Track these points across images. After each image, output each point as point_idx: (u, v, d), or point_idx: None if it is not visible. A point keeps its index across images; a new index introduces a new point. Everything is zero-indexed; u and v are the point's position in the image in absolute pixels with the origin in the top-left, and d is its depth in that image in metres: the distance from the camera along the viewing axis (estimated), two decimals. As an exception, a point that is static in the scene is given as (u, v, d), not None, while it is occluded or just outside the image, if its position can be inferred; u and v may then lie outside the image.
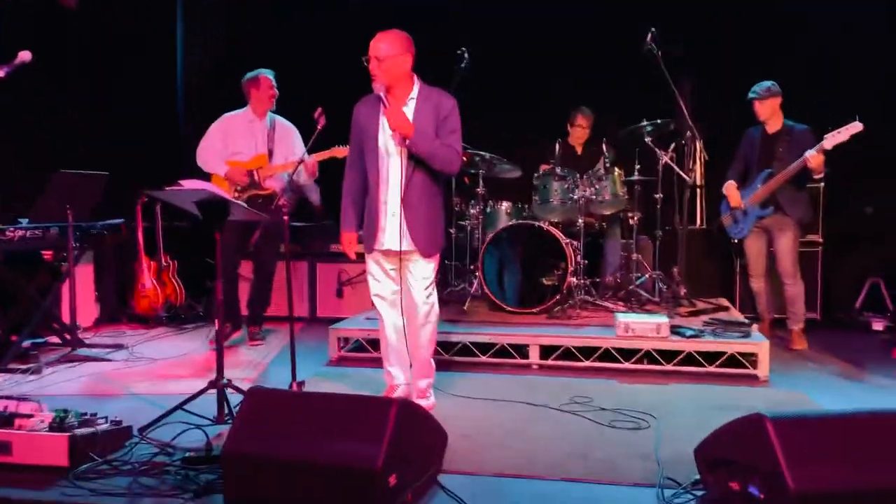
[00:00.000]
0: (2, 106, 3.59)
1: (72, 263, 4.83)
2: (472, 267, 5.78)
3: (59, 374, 4.46)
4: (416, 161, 3.47)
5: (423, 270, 3.59)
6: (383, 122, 3.50)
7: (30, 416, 2.97)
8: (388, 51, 3.42)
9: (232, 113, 5.35)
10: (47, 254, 5.15)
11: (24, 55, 3.56)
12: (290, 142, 5.31)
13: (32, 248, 4.90)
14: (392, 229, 3.51)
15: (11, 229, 4.53)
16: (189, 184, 3.45)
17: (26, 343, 4.75)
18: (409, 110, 3.48)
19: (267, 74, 5.31)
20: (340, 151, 4.84)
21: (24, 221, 4.73)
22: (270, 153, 5.24)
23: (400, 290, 3.65)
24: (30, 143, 5.83)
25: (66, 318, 5.15)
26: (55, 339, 5.10)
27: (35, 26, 5.78)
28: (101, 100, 6.50)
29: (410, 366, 3.76)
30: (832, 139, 4.67)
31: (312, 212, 6.85)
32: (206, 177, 5.21)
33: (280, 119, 5.37)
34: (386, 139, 3.51)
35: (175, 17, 7.11)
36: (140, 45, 6.77)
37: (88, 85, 6.39)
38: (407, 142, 3.40)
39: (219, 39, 7.58)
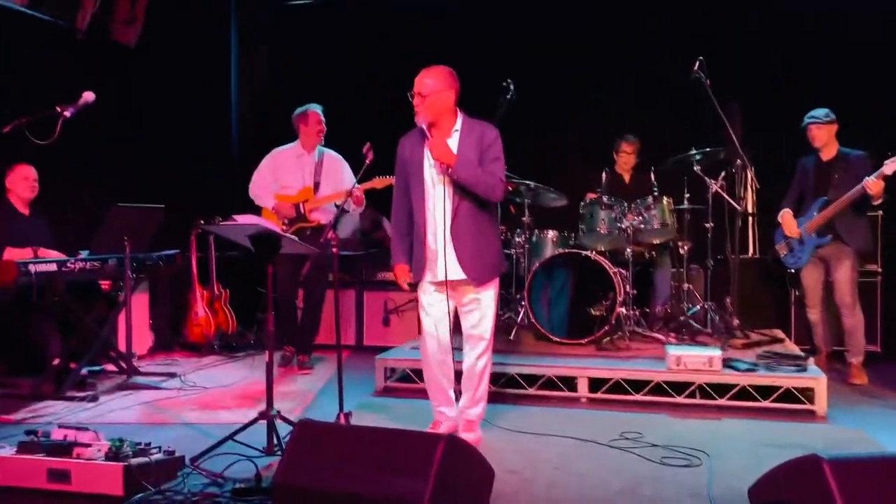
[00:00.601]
0: (67, 143, 3.73)
1: (129, 294, 4.97)
2: (518, 296, 5.76)
3: (114, 402, 4.58)
4: (461, 191, 3.51)
5: (482, 296, 3.59)
6: (428, 155, 3.56)
7: (88, 445, 3.05)
8: (433, 87, 3.49)
9: (282, 148, 5.53)
10: (105, 284, 5.32)
11: (88, 96, 3.72)
12: (339, 173, 5.44)
13: (91, 279, 5.07)
14: (441, 261, 3.54)
15: (72, 261, 4.70)
16: (242, 218, 3.54)
17: (84, 371, 4.91)
18: (452, 142, 3.54)
19: (315, 110, 5.46)
20: (380, 182, 5.01)
21: (85, 253, 4.89)
22: (316, 186, 5.40)
23: (450, 321, 3.66)
24: (91, 178, 6.05)
25: (122, 347, 5.29)
26: (112, 367, 5.25)
27: (96, 64, 6.02)
28: (157, 134, 6.72)
29: (458, 398, 3.75)
30: (893, 165, 4.56)
31: (359, 241, 6.94)
32: (259, 210, 5.36)
33: (329, 152, 5.51)
34: (431, 171, 3.56)
35: (229, 53, 7.33)
36: (195, 81, 6.99)
37: (145, 120, 6.62)
38: (449, 170, 3.44)
39: (271, 73, 7.79)
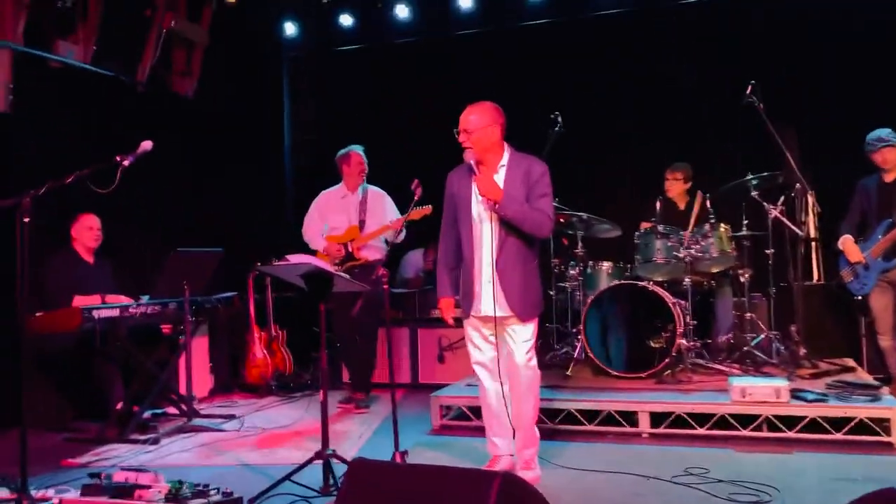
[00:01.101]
0: (127, 191, 3.86)
1: (188, 337, 5.07)
2: (574, 330, 5.67)
3: (175, 444, 4.64)
4: (507, 227, 3.50)
5: (522, 335, 3.56)
6: (475, 190, 3.56)
7: (148, 487, 3.09)
8: (478, 123, 3.50)
9: (328, 190, 5.72)
10: (166, 328, 5.44)
11: (146, 144, 3.83)
12: (382, 208, 5.57)
13: (152, 323, 5.19)
14: (487, 295, 3.52)
15: (134, 306, 4.83)
16: (295, 258, 3.59)
17: (146, 414, 5.00)
18: (499, 178, 3.53)
19: (357, 151, 5.63)
20: (417, 213, 5.06)
21: (146, 298, 5.02)
22: (362, 224, 5.53)
23: (498, 356, 3.62)
24: (150, 224, 6.25)
25: (182, 389, 5.38)
26: (173, 410, 5.34)
27: (156, 115, 6.26)
28: (214, 181, 6.92)
29: (514, 435, 3.69)
30: None
31: (404, 282, 6.99)
32: (314, 252, 5.49)
33: (372, 188, 5.66)
34: (478, 206, 3.56)
35: (281, 101, 7.55)
36: (249, 128, 7.21)
37: (203, 167, 6.83)
38: (496, 206, 3.43)
39: (319, 119, 7.97)
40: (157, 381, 5.01)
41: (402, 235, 5.44)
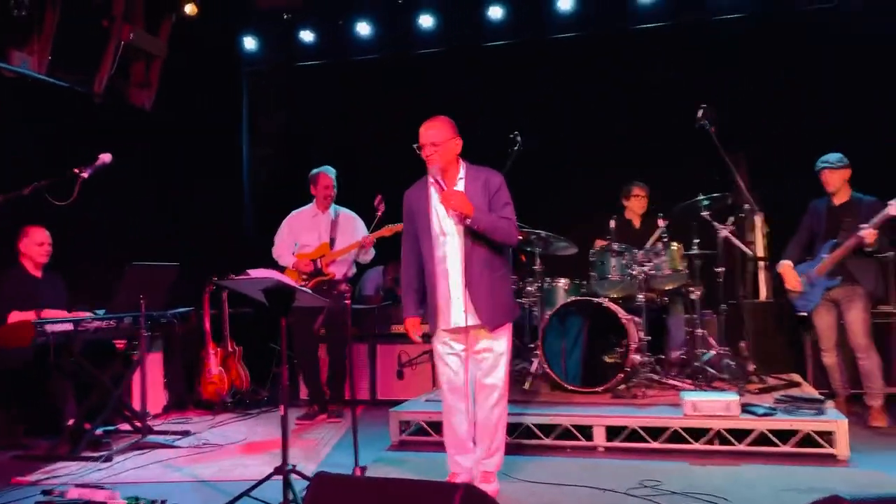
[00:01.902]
0: (84, 203, 3.82)
1: (143, 352, 4.99)
2: (532, 345, 5.75)
3: (129, 461, 4.56)
4: (474, 238, 3.55)
5: (495, 346, 3.60)
6: (435, 205, 3.62)
7: (103, 503, 3.05)
8: (442, 136, 3.57)
9: (299, 209, 5.80)
10: (120, 343, 5.35)
11: (105, 157, 3.82)
12: (353, 229, 5.65)
13: (107, 338, 5.11)
14: (456, 307, 3.56)
15: (89, 320, 4.74)
16: (256, 273, 3.58)
17: (99, 431, 4.90)
18: (459, 190, 3.59)
19: (325, 172, 5.71)
20: (388, 230, 5.21)
21: (101, 312, 4.94)
22: (332, 241, 5.61)
23: (467, 370, 3.66)
24: (107, 237, 6.16)
25: (136, 405, 5.29)
26: (126, 427, 5.25)
27: (113, 127, 6.18)
28: (171, 194, 6.86)
29: (475, 449, 3.73)
30: (884, 215, 4.63)
31: (364, 300, 7.00)
32: (281, 269, 5.53)
33: (344, 210, 5.76)
34: (440, 221, 3.61)
35: (241, 114, 7.51)
36: (208, 141, 7.15)
37: (160, 180, 6.76)
38: (468, 220, 3.48)
39: (280, 133, 7.96)
40: (111, 396, 4.93)
41: (372, 254, 5.60)
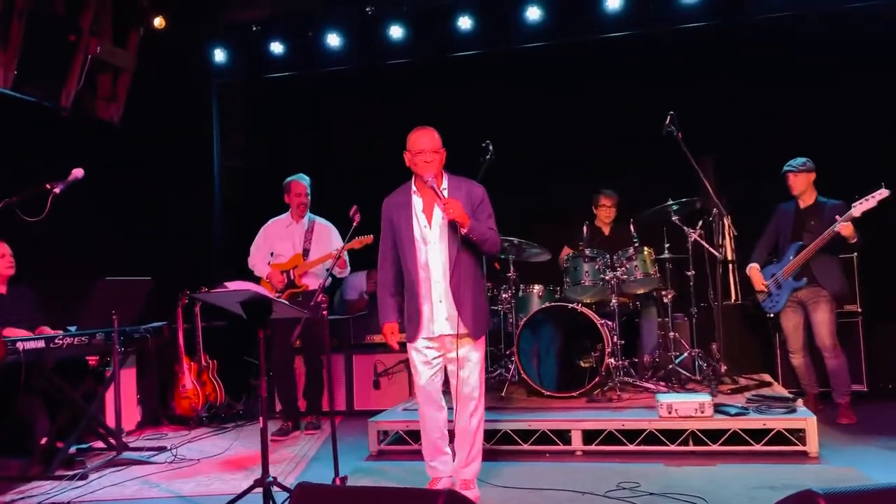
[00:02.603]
0: (55, 219, 3.78)
1: (117, 368, 4.93)
2: (507, 352, 5.79)
3: (104, 479, 4.50)
4: (459, 247, 3.58)
5: (472, 354, 3.64)
6: (417, 212, 3.64)
7: (81, 522, 3.01)
8: (439, 144, 3.64)
9: (275, 218, 5.77)
10: (92, 359, 5.28)
11: (77, 172, 3.78)
12: (328, 240, 5.63)
13: (79, 355, 5.03)
14: (440, 315, 3.59)
15: (60, 337, 4.67)
16: (233, 285, 3.57)
17: (72, 449, 4.83)
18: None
19: (299, 180, 5.69)
20: (358, 242, 5.21)
21: (73, 328, 4.87)
22: (306, 252, 5.59)
23: (443, 380, 3.69)
24: (78, 252, 6.08)
25: (110, 422, 5.22)
26: (100, 444, 5.17)
27: (82, 141, 6.11)
28: (142, 208, 6.79)
29: (454, 457, 3.75)
30: (860, 207, 4.75)
31: (347, 305, 6.99)
32: (256, 280, 5.49)
33: (319, 220, 5.73)
34: (423, 228, 3.63)
35: (211, 126, 7.46)
36: (178, 154, 7.09)
37: (131, 194, 6.68)
38: (464, 230, 3.50)
39: (250, 145, 7.93)
40: (84, 414, 4.86)
41: (348, 270, 5.58)
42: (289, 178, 5.75)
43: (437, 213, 3.64)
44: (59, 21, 5.97)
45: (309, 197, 5.70)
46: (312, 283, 5.55)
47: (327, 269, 4.99)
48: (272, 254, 5.70)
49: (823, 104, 6.45)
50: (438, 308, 3.60)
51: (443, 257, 3.60)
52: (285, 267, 5.59)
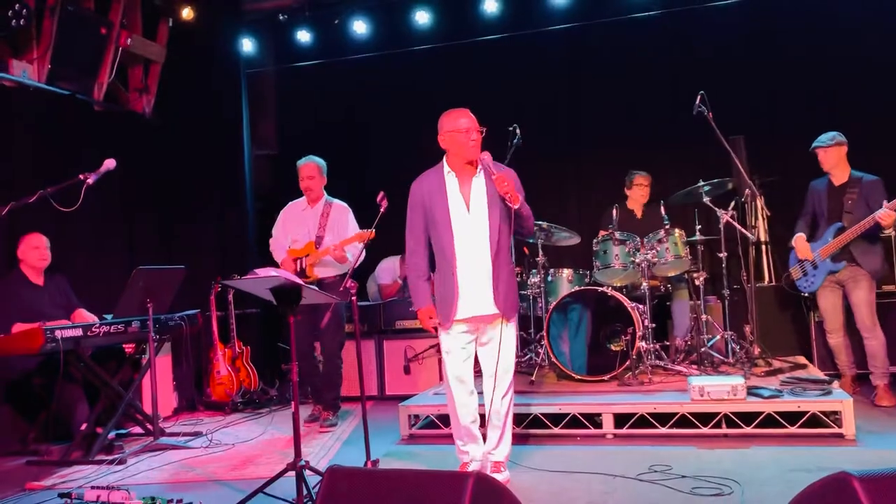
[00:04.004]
0: (89, 210, 3.86)
1: (153, 355, 5.03)
2: (537, 336, 5.78)
3: (142, 464, 4.61)
4: (499, 225, 3.60)
5: (507, 335, 3.65)
6: (452, 194, 3.63)
7: (120, 503, 3.08)
8: (478, 124, 3.65)
9: (293, 202, 5.61)
10: (129, 347, 5.39)
11: (109, 163, 3.85)
12: (344, 224, 5.39)
13: (116, 343, 5.14)
14: (476, 295, 3.60)
15: (97, 325, 4.77)
16: (263, 272, 3.61)
17: (111, 435, 4.93)
18: (479, 181, 3.65)
19: (305, 162, 5.43)
20: (357, 237, 5.10)
21: (109, 317, 4.97)
22: (319, 240, 5.35)
23: (475, 363, 3.71)
24: (112, 243, 6.19)
25: (147, 408, 5.33)
26: (138, 430, 5.29)
27: (114, 133, 6.21)
28: (175, 198, 6.89)
29: (483, 440, 3.77)
30: None
31: (380, 290, 7.01)
32: (276, 265, 5.45)
33: (335, 202, 5.50)
34: (461, 209, 3.62)
35: (241, 115, 7.52)
36: (210, 144, 7.16)
37: (163, 184, 6.79)
38: (516, 205, 3.52)
39: (282, 132, 7.98)
40: (122, 400, 4.97)
41: (350, 260, 5.19)
42: (298, 161, 5.50)
43: (477, 191, 3.64)
44: (90, 15, 6.06)
45: (315, 180, 5.39)
46: (324, 272, 5.34)
47: (350, 255, 4.94)
48: (290, 239, 5.48)
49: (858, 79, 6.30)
50: (475, 288, 3.60)
51: (482, 236, 3.60)
52: (299, 254, 5.37)
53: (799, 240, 5.22)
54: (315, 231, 5.39)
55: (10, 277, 5.06)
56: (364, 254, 4.83)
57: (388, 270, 7.12)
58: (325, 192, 5.51)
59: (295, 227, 5.48)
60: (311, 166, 5.42)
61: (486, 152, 3.62)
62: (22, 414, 5.12)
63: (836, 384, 4.58)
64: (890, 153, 5.87)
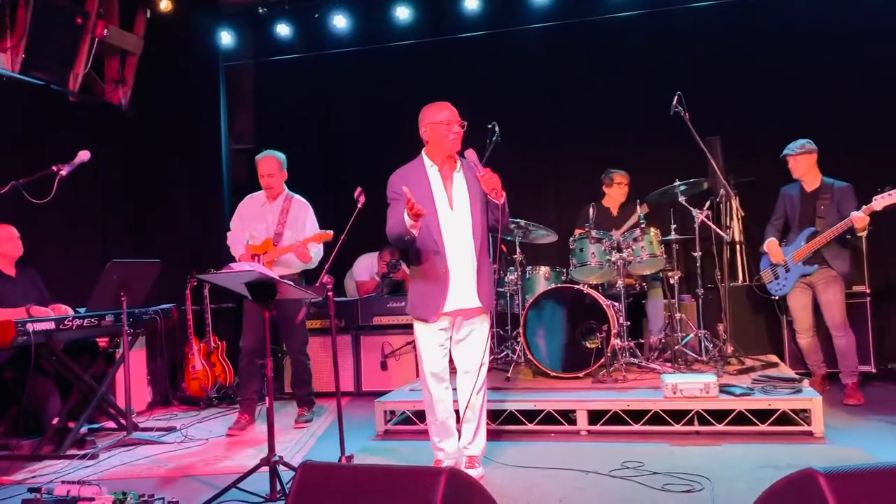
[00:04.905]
0: (63, 201, 3.81)
1: (126, 349, 4.98)
2: (513, 333, 5.80)
3: (115, 458, 4.56)
4: (482, 219, 3.63)
5: (483, 330, 3.70)
6: (438, 187, 3.64)
7: (91, 499, 3.06)
8: (459, 117, 3.66)
9: (251, 195, 5.43)
10: (102, 341, 5.34)
11: (84, 154, 3.81)
12: (303, 222, 5.25)
13: (89, 336, 5.08)
14: (458, 289, 3.61)
15: (70, 318, 4.72)
16: (238, 266, 3.59)
17: (83, 429, 4.89)
18: (460, 176, 3.67)
19: (262, 158, 5.27)
20: (317, 238, 5.03)
21: (82, 310, 4.92)
22: (277, 237, 5.19)
23: (449, 359, 3.73)
24: (86, 235, 6.12)
25: (120, 403, 5.28)
26: (111, 424, 5.24)
27: (89, 125, 6.14)
28: (150, 190, 6.82)
29: (459, 437, 3.79)
30: (882, 201, 4.72)
31: (378, 285, 6.98)
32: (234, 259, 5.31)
33: (296, 198, 5.34)
34: (443, 202, 3.63)
35: (218, 108, 7.46)
36: (186, 137, 7.11)
37: (139, 177, 6.72)
38: (501, 199, 3.53)
39: (260, 125, 7.93)
40: (94, 394, 4.92)
41: (315, 260, 5.12)
42: (257, 155, 5.35)
43: (458, 184, 3.67)
44: (66, 4, 5.97)
45: (274, 177, 5.23)
46: (282, 271, 5.08)
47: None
48: (248, 234, 5.29)
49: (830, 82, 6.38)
50: (461, 283, 3.62)
51: (465, 228, 3.63)
52: (257, 251, 5.20)
53: (771, 244, 5.29)
54: (274, 227, 5.21)
55: None
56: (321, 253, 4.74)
57: (365, 268, 7.12)
58: (285, 187, 5.35)
59: (253, 222, 5.28)
60: (272, 161, 5.24)
61: (471, 150, 3.66)
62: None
63: (805, 382, 4.66)
64: (863, 156, 5.96)
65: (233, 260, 5.26)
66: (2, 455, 4.69)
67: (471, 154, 3.64)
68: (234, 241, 5.35)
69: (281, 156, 5.33)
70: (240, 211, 5.41)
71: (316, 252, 5.14)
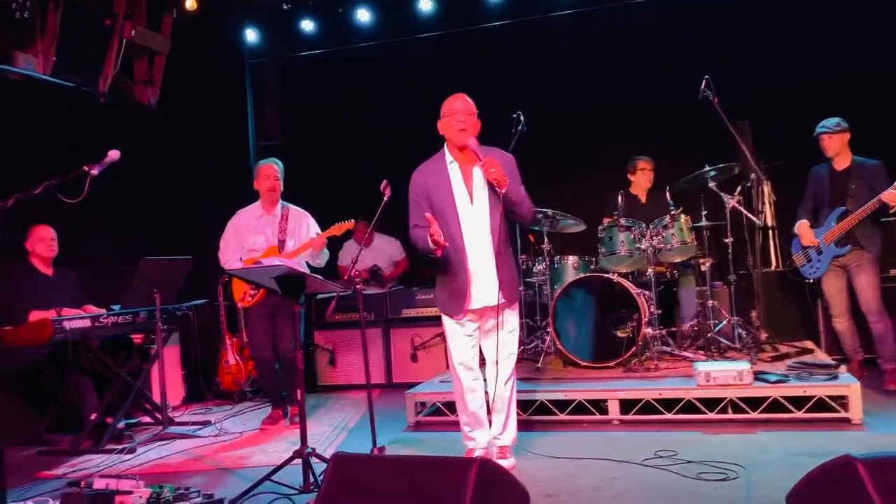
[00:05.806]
0: (95, 201, 3.87)
1: (160, 345, 5.06)
2: (543, 323, 5.78)
3: (152, 452, 4.65)
4: (500, 213, 3.56)
5: (510, 323, 3.68)
6: (458, 180, 3.61)
7: (129, 492, 3.12)
8: (473, 108, 3.63)
9: (243, 209, 5.33)
10: (137, 337, 5.43)
11: (114, 154, 3.85)
12: (305, 228, 5.21)
13: (124, 333, 5.17)
14: (482, 283, 3.60)
15: (105, 316, 4.81)
16: (267, 261, 3.63)
17: (121, 424, 4.98)
18: (479, 170, 3.61)
19: (266, 164, 5.23)
20: (338, 228, 4.99)
21: (117, 308, 5.00)
22: (281, 244, 5.12)
23: (479, 351, 3.72)
24: (119, 233, 6.22)
25: (156, 398, 5.37)
26: (147, 419, 5.33)
27: (120, 125, 6.23)
28: (181, 188, 6.91)
29: (490, 425, 3.79)
30: None
31: (382, 279, 7.03)
32: None
33: (292, 208, 5.29)
34: (464, 196, 3.61)
35: (246, 106, 7.52)
36: (215, 135, 7.18)
37: (170, 175, 6.80)
38: (503, 189, 3.46)
39: (286, 122, 7.97)
40: (131, 390, 5.00)
41: (325, 257, 5.11)
42: (259, 162, 5.28)
43: (478, 178, 3.62)
44: (94, 6, 6.05)
45: (280, 182, 5.18)
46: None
47: (308, 264, 4.84)
48: (244, 248, 5.14)
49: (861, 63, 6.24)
50: (483, 279, 3.60)
51: (485, 223, 3.60)
52: (264, 258, 5.05)
53: (802, 226, 5.19)
54: (276, 236, 5.12)
55: (21, 269, 5.12)
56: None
57: (348, 253, 7.11)
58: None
59: (251, 235, 5.15)
60: (275, 168, 5.20)
61: (472, 137, 3.58)
62: (33, 404, 5.16)
63: (843, 368, 4.57)
64: (893, 135, 5.82)
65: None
66: (43, 450, 4.81)
67: (472, 142, 3.57)
68: (229, 256, 5.17)
69: (281, 163, 5.30)
70: (234, 225, 5.25)
71: (323, 254, 5.10)
